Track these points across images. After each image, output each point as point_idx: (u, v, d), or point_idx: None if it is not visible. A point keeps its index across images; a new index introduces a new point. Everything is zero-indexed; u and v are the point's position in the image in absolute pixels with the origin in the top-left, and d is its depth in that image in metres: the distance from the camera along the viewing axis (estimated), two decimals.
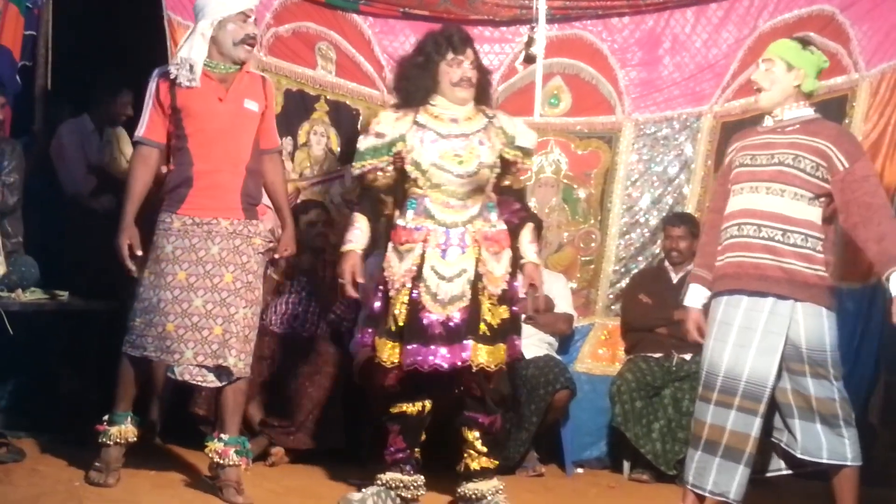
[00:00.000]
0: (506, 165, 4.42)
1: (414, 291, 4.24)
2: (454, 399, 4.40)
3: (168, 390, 5.12)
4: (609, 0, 6.02)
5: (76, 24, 6.03)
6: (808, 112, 4.08)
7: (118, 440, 4.31)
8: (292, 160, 6.01)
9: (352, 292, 4.34)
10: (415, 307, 4.22)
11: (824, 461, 3.93)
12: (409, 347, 4.20)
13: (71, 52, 5.95)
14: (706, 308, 4.16)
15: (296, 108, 6.02)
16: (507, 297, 4.34)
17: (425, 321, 4.20)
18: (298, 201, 5.91)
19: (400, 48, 6.06)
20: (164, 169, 4.38)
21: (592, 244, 6.08)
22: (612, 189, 6.06)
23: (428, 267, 4.25)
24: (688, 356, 5.41)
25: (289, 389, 5.29)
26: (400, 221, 4.34)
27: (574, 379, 5.56)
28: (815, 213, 3.93)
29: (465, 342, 4.20)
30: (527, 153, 4.47)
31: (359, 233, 4.38)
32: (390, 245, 4.36)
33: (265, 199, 5.58)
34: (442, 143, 4.30)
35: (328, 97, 6.06)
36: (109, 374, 4.75)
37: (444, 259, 4.26)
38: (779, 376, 3.93)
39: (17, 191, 4.89)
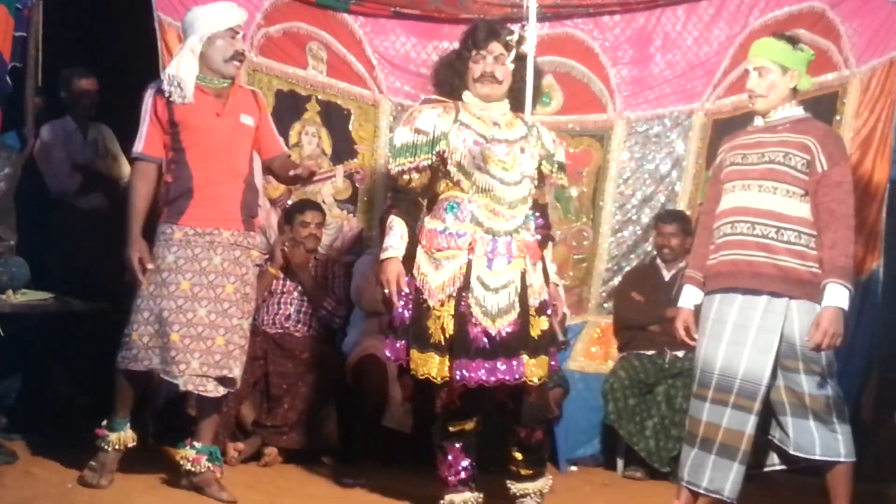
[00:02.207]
0: (539, 179, 4.30)
1: (461, 303, 4.07)
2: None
3: (160, 393, 5.11)
4: None
5: (67, 25, 6.02)
6: (798, 111, 4.08)
7: (117, 446, 4.32)
8: None
9: (397, 302, 4.11)
10: (462, 319, 4.05)
11: (817, 457, 3.93)
12: (457, 362, 4.03)
13: (62, 54, 5.93)
14: (698, 309, 4.16)
15: (287, 109, 6.01)
16: (544, 309, 4.20)
17: (472, 334, 4.04)
18: (290, 201, 5.92)
19: (391, 48, 6.07)
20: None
21: (584, 242, 6.08)
22: (604, 187, 6.06)
23: (474, 277, 4.07)
24: (680, 353, 5.41)
25: (281, 389, 5.29)
26: (436, 226, 4.15)
27: (567, 377, 5.57)
28: (807, 210, 3.93)
29: (519, 357, 4.05)
30: (562, 168, 4.37)
31: (398, 238, 4.14)
32: (422, 251, 4.15)
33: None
34: (485, 148, 4.14)
35: (319, 97, 6.04)
36: (101, 375, 4.75)
37: (489, 269, 4.08)
38: (773, 374, 3.93)
39: (5, 197, 4.87)
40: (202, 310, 4.22)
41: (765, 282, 3.91)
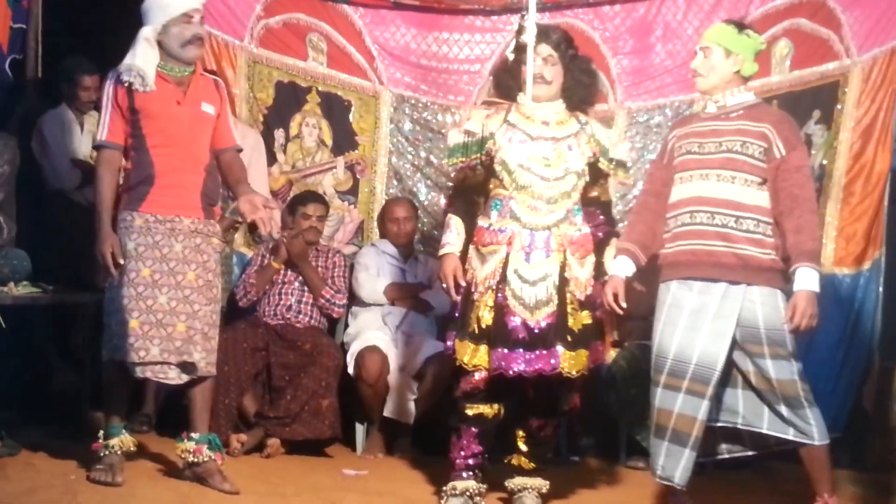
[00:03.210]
0: (595, 175, 4.35)
1: (499, 294, 4.17)
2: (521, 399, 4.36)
3: (163, 387, 5.11)
4: None
5: (66, 17, 6.01)
6: (749, 97, 4.08)
7: (120, 449, 4.29)
8: (284, 152, 6.01)
9: (455, 295, 4.28)
10: (500, 311, 4.15)
11: (791, 439, 3.95)
12: (496, 351, 4.13)
13: (62, 46, 5.92)
14: (628, 281, 4.19)
15: (287, 100, 6.02)
16: (589, 303, 4.26)
17: (510, 325, 4.13)
18: (292, 193, 5.92)
19: (391, 39, 6.07)
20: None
21: None
22: None
23: (511, 270, 4.17)
24: None
25: (284, 380, 5.29)
26: (483, 223, 4.28)
27: None
28: (764, 198, 3.96)
29: (554, 349, 4.13)
30: (621, 165, 4.40)
31: (455, 235, 4.34)
32: (472, 247, 4.30)
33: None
34: (530, 145, 4.23)
35: (320, 88, 6.05)
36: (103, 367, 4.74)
37: (527, 262, 4.17)
38: (739, 360, 3.96)
39: (5, 186, 4.86)
40: (162, 297, 4.21)
41: (724, 271, 3.94)
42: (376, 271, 5.68)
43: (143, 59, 4.22)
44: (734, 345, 3.98)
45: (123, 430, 4.34)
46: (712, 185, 3.98)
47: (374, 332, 5.51)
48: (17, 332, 4.90)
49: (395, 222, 5.75)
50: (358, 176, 6.09)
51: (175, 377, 4.26)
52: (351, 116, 6.08)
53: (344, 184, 6.08)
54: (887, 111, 5.55)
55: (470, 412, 4.27)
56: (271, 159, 5.96)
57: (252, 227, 5.80)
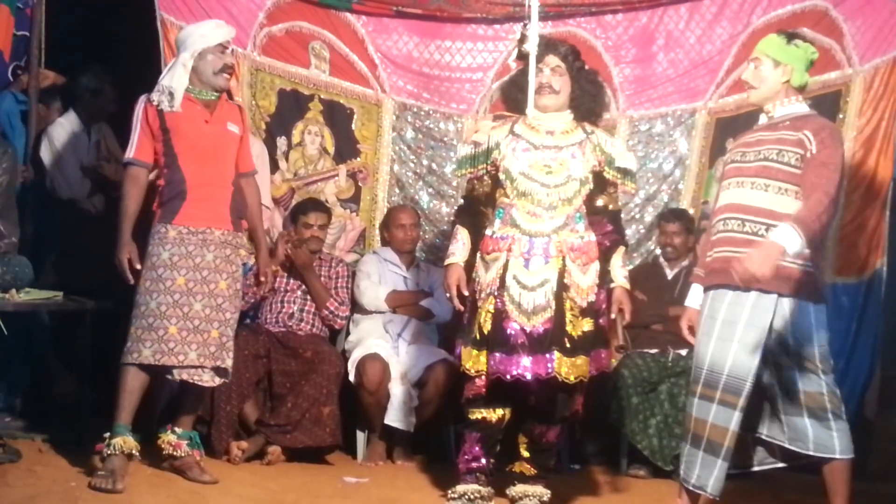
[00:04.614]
0: (602, 184, 4.38)
1: (498, 301, 4.22)
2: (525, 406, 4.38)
3: (164, 391, 5.11)
4: None
5: (70, 23, 6.02)
6: (801, 108, 4.05)
7: (123, 450, 4.32)
8: (286, 160, 6.01)
9: (458, 304, 4.37)
10: (499, 316, 4.21)
11: (812, 454, 3.93)
12: (494, 356, 4.19)
13: (65, 52, 5.93)
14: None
15: (290, 108, 6.02)
16: (591, 310, 4.27)
17: (509, 330, 4.18)
18: (294, 200, 5.92)
19: (393, 47, 6.07)
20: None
21: None
22: None
23: (510, 276, 4.22)
24: (683, 352, 5.40)
25: (285, 388, 5.29)
26: (488, 231, 4.36)
27: None
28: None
29: (550, 354, 4.16)
30: (627, 174, 4.41)
31: (461, 245, 4.44)
32: (479, 255, 4.37)
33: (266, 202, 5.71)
34: (533, 154, 4.30)
35: (322, 96, 6.05)
36: (104, 374, 4.75)
37: (526, 269, 4.23)
38: (764, 371, 3.93)
39: (5, 193, 4.86)
40: (197, 304, 4.41)
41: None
42: (378, 279, 5.68)
43: (177, 81, 4.46)
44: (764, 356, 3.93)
45: (128, 432, 4.37)
46: (746, 193, 3.97)
47: (375, 339, 5.50)
48: (19, 338, 4.89)
49: (400, 228, 5.75)
50: (360, 184, 6.10)
51: (209, 380, 4.49)
52: (353, 124, 6.08)
53: (346, 192, 6.08)
54: (889, 121, 5.57)
55: (473, 417, 4.32)
56: (273, 167, 5.96)
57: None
